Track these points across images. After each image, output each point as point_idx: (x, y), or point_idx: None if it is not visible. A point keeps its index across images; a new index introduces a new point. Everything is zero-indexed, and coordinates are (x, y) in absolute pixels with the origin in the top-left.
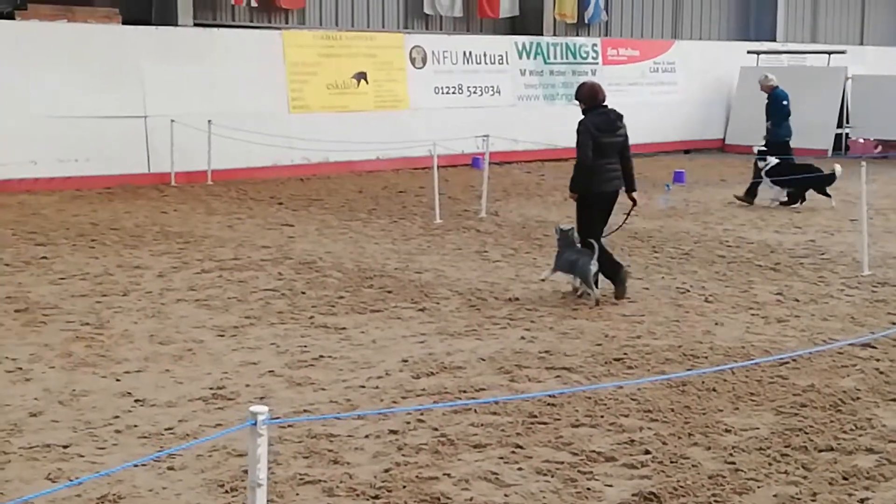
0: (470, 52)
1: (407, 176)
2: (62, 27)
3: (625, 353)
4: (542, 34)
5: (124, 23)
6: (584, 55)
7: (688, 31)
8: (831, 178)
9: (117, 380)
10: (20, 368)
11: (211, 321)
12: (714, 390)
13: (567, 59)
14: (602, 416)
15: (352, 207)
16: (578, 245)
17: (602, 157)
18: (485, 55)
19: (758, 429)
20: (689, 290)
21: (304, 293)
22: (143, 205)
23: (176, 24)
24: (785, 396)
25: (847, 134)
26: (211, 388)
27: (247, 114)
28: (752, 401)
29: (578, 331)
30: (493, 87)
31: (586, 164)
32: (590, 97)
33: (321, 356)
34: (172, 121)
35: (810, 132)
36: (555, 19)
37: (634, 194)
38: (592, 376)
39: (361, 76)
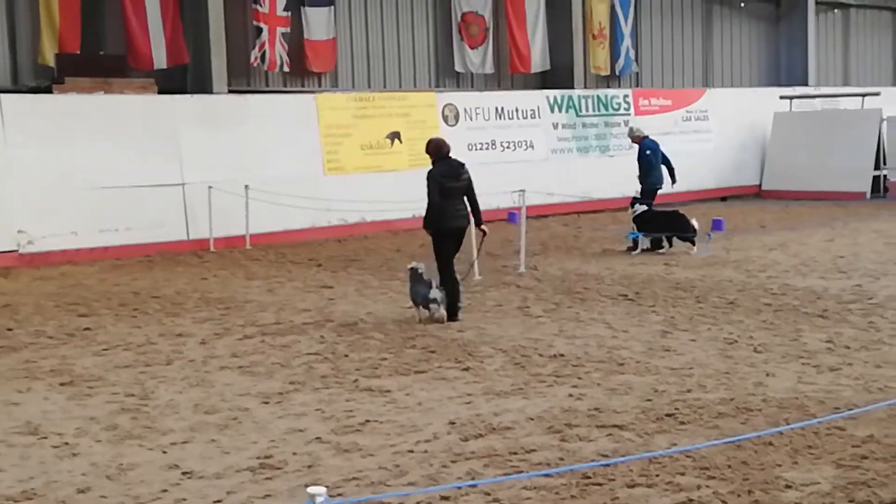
0: (502, 108)
1: None
2: (99, 99)
3: (676, 409)
4: (573, 87)
5: (160, 92)
6: (616, 107)
7: (719, 79)
8: (691, 231)
9: (164, 452)
10: (67, 443)
11: (255, 388)
12: (770, 444)
13: (599, 111)
14: (657, 476)
15: (390, 267)
16: (427, 279)
17: (449, 199)
18: (517, 110)
19: (819, 483)
20: (736, 341)
21: (346, 356)
22: (183, 272)
23: (211, 92)
24: (844, 448)
25: (885, 176)
26: (258, 458)
27: (283, 177)
28: (810, 454)
29: (627, 386)
30: (526, 141)
31: (435, 205)
32: (436, 150)
33: (367, 420)
34: (210, 187)
35: (847, 175)
36: (585, 72)
37: (483, 227)
38: (645, 434)
39: (395, 136)
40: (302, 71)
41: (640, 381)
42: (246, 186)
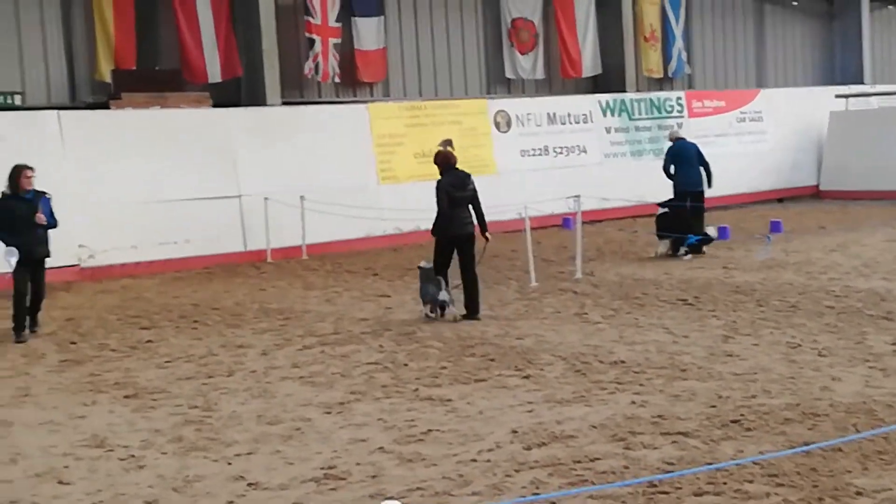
0: (554, 113)
1: (498, 240)
2: (156, 114)
3: (741, 415)
4: (625, 90)
5: (215, 105)
6: (669, 109)
7: (773, 79)
8: (707, 239)
9: (229, 463)
10: (133, 456)
11: (317, 398)
12: (840, 450)
13: (652, 114)
14: (725, 483)
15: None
16: (437, 280)
17: (456, 208)
18: (569, 115)
19: (891, 490)
20: (800, 345)
21: (406, 365)
22: (241, 283)
23: (265, 104)
24: None
25: None
26: (322, 469)
27: (337, 187)
28: (881, 460)
29: (690, 392)
30: (578, 146)
31: (444, 213)
32: (444, 162)
33: (429, 430)
34: (266, 198)
35: None
36: (637, 75)
37: (487, 234)
38: (710, 440)
39: (447, 143)
40: (354, 81)
41: (704, 386)
42: (301, 197)
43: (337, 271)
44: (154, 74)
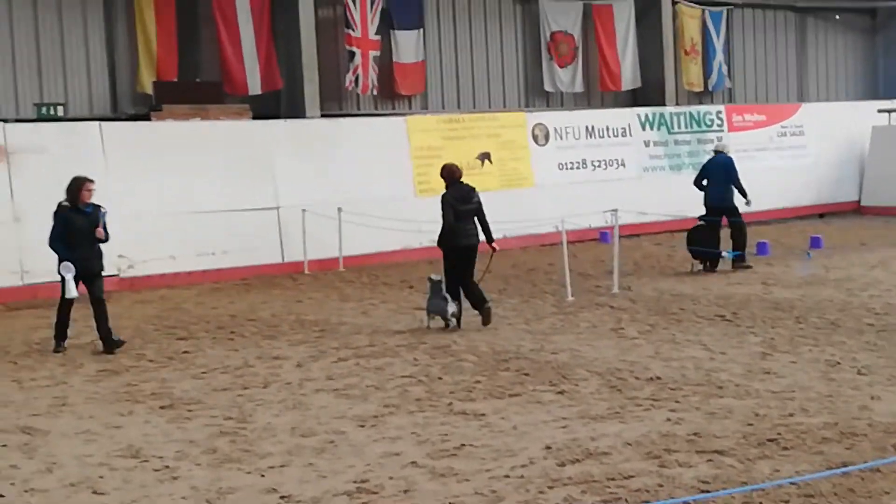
0: (592, 127)
1: (535, 253)
2: (196, 125)
3: (778, 434)
4: (664, 104)
5: (255, 118)
6: (709, 123)
7: (814, 93)
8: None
9: (262, 475)
10: (167, 466)
11: (351, 411)
12: (878, 471)
13: (691, 127)
14: (761, 503)
15: (483, 288)
16: (444, 292)
17: (461, 221)
18: (607, 128)
19: None
20: (839, 363)
21: (440, 379)
22: (278, 294)
23: (304, 117)
24: None
25: None
26: (355, 482)
27: (375, 199)
28: None
29: (727, 410)
30: (617, 159)
31: (449, 226)
32: (449, 175)
33: (462, 444)
34: (304, 210)
35: None
36: (677, 89)
37: (493, 244)
38: (746, 459)
39: (485, 156)
40: (392, 94)
41: (740, 404)
42: (339, 209)
43: (373, 283)
44: (195, 87)
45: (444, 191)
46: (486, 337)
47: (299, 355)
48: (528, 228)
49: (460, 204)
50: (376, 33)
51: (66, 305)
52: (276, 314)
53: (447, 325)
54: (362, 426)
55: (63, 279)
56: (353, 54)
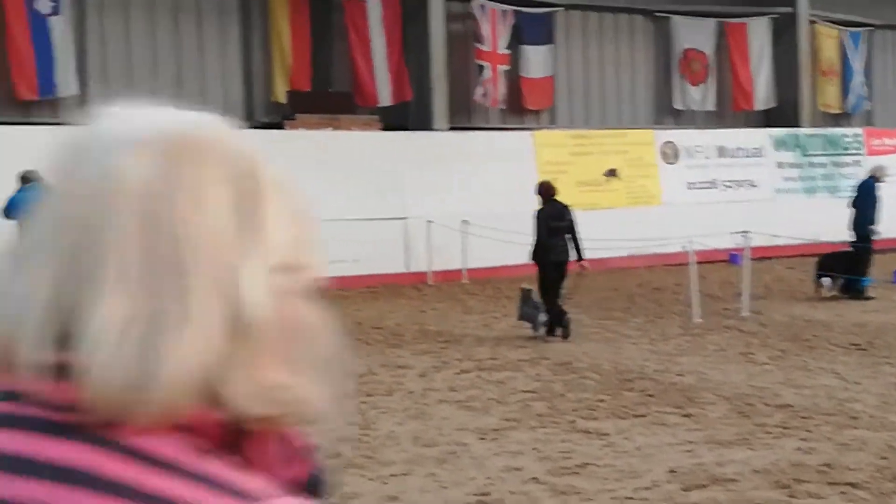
0: (723, 146)
1: (661, 273)
2: (327, 135)
3: None
4: (798, 125)
5: (384, 129)
6: (846, 146)
7: None
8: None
9: (384, 483)
10: None
11: (472, 423)
12: None
13: (827, 150)
14: None
15: (606, 306)
16: (535, 300)
17: (553, 237)
18: (739, 149)
19: None
20: None
21: (563, 395)
22: (403, 304)
23: (432, 129)
24: None
25: None
26: (475, 495)
27: (500, 213)
28: None
29: (860, 441)
30: (748, 180)
31: (542, 241)
32: (545, 193)
33: (585, 463)
34: (429, 221)
35: None
36: (813, 110)
37: (584, 263)
38: (880, 493)
39: (612, 173)
40: (520, 108)
41: (875, 436)
42: (464, 221)
43: (496, 296)
44: (327, 96)
45: (540, 207)
46: (609, 355)
47: (423, 365)
48: (654, 247)
49: (553, 221)
50: (506, 48)
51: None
52: (400, 323)
53: (536, 332)
54: (483, 439)
55: None
56: (482, 68)
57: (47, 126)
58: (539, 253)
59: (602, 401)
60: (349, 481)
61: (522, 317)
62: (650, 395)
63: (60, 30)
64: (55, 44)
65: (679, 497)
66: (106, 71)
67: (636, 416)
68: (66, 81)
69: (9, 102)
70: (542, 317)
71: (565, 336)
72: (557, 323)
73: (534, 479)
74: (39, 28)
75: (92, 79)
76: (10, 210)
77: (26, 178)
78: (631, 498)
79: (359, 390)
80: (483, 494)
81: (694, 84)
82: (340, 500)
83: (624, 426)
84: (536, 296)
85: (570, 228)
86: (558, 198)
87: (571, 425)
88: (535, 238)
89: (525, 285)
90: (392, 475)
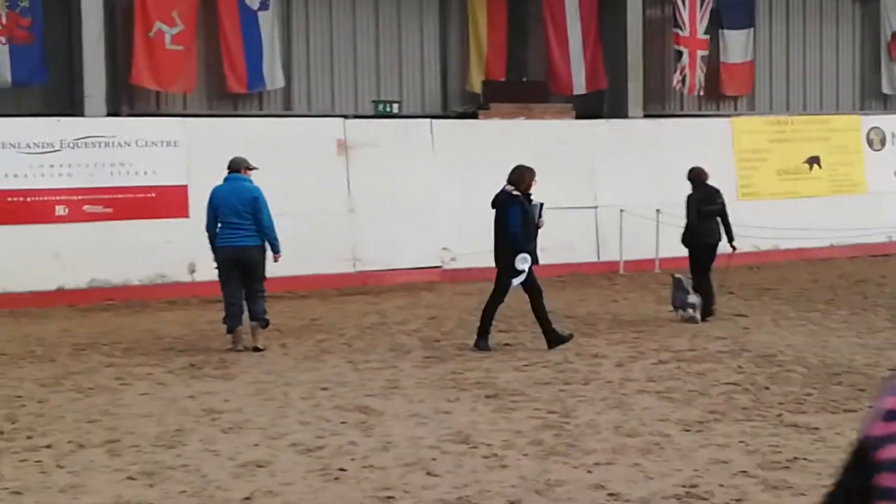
0: None
1: (864, 264)
2: (520, 124)
3: None
4: None
5: (577, 117)
6: None
7: None
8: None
9: (588, 471)
10: (496, 454)
11: (674, 414)
12: None
13: None
14: None
15: (808, 298)
16: (688, 287)
17: (704, 221)
18: None
19: None
20: None
21: (767, 388)
22: (593, 293)
23: (626, 117)
24: None
25: None
26: (683, 486)
27: None
28: None
29: None
30: None
31: (692, 225)
32: (696, 178)
33: (795, 458)
34: (622, 210)
35: None
36: None
37: (734, 244)
38: None
39: (814, 161)
40: (717, 94)
41: None
42: (657, 210)
43: None
44: (521, 86)
45: (691, 192)
46: (814, 348)
47: (618, 355)
48: (858, 237)
49: (704, 205)
50: (705, 32)
51: (501, 298)
52: (592, 312)
53: (690, 318)
54: (687, 430)
55: (518, 271)
56: (680, 54)
57: (254, 118)
58: (690, 236)
59: (809, 395)
60: (553, 468)
61: (676, 304)
62: (861, 390)
63: (268, 24)
64: (263, 38)
65: None
66: (309, 64)
67: (847, 411)
68: (272, 75)
69: (220, 95)
70: (693, 298)
71: (704, 317)
72: (705, 304)
73: (743, 472)
74: (249, 23)
75: (296, 72)
76: (215, 200)
77: (233, 168)
78: None
79: (555, 378)
80: (691, 486)
81: None
82: (547, 486)
83: (835, 421)
84: (688, 283)
85: (721, 212)
86: (710, 182)
87: (779, 419)
88: (687, 222)
89: (678, 274)
90: (596, 464)
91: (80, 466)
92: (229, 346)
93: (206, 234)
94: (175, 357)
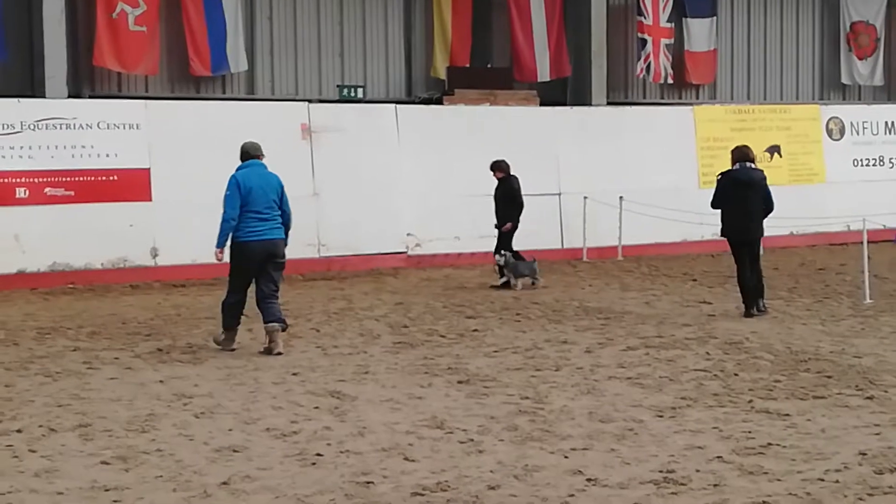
0: (892, 122)
1: (823, 252)
2: (484, 110)
3: None
4: None
5: (541, 104)
6: None
7: None
8: None
9: (565, 456)
10: (472, 440)
11: (646, 400)
12: None
13: None
14: None
15: (771, 286)
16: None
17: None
18: None
19: None
20: None
21: (736, 375)
22: (558, 280)
23: (590, 104)
24: None
25: None
26: (660, 472)
27: (656, 189)
28: None
29: None
30: None
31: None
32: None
33: (769, 444)
34: (585, 197)
35: None
36: None
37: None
38: None
39: (775, 149)
40: (680, 83)
41: None
42: (620, 198)
43: (653, 274)
44: (486, 72)
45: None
46: (779, 335)
47: (587, 341)
48: (817, 226)
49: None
50: (668, 21)
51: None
52: (558, 299)
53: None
54: (661, 417)
55: None
56: (644, 42)
57: (218, 101)
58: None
59: (779, 381)
60: (530, 454)
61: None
62: (828, 377)
63: (231, 7)
64: (227, 20)
65: (872, 480)
66: (273, 48)
67: (816, 398)
68: (236, 58)
69: (183, 78)
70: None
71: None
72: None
73: (718, 457)
74: (212, 5)
75: (259, 56)
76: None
77: (252, 153)
78: (822, 479)
79: (526, 364)
80: (668, 472)
81: (861, 58)
82: (525, 471)
83: (805, 407)
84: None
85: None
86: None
87: (750, 405)
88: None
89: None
90: (572, 449)
91: (53, 451)
92: (220, 344)
93: (224, 223)
94: (141, 342)
